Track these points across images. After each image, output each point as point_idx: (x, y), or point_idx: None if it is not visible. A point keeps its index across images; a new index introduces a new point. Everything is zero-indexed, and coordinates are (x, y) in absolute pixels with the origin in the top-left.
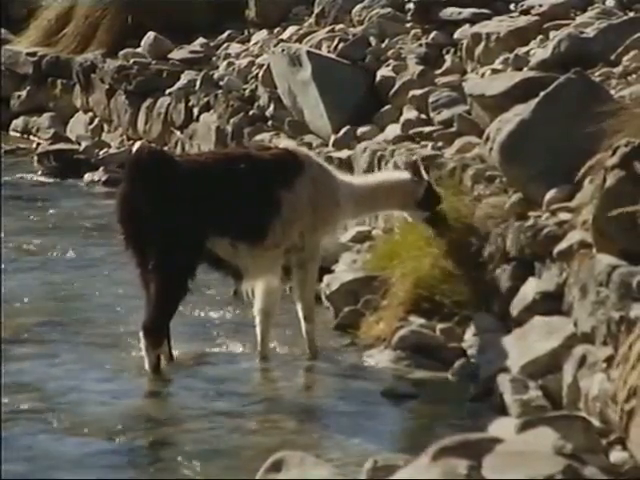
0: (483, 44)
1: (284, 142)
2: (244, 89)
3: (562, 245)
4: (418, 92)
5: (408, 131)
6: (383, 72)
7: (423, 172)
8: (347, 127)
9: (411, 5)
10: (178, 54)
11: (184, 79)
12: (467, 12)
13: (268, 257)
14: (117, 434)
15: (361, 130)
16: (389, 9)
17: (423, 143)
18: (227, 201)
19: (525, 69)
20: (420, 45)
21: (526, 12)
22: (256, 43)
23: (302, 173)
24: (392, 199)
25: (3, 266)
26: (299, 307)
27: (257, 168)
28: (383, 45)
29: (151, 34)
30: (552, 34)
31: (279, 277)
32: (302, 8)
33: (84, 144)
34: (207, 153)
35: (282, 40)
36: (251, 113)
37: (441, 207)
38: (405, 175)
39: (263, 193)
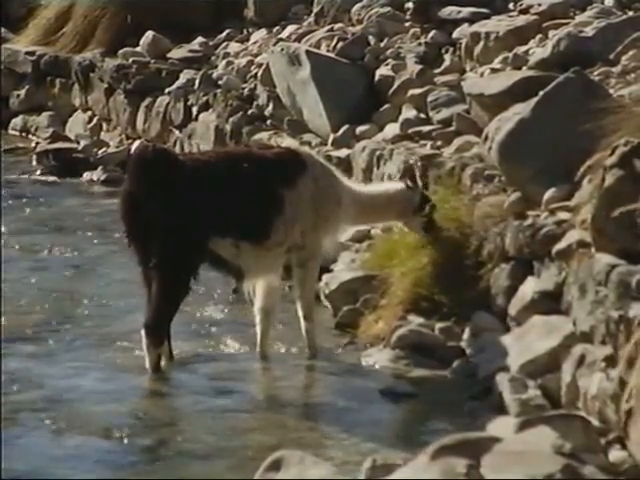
0: (482, 43)
1: (286, 141)
2: (243, 88)
3: (561, 244)
4: (417, 91)
5: (407, 130)
6: (382, 71)
7: (417, 179)
8: (346, 126)
9: (410, 4)
10: (177, 53)
11: (183, 78)
12: (466, 11)
13: (270, 256)
14: (117, 433)
15: (360, 129)
16: (388, 8)
17: (422, 142)
18: (230, 200)
19: (524, 68)
20: (419, 44)
21: (525, 11)
22: (255, 42)
23: (304, 172)
24: (391, 209)
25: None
26: (299, 306)
27: (260, 167)
28: (382, 44)
29: (150, 33)
30: (551, 33)
31: (280, 276)
32: (301, 7)
33: (83, 143)
34: (210, 152)
35: (281, 39)
36: (250, 112)
37: (434, 213)
38: (401, 185)
39: (266, 192)
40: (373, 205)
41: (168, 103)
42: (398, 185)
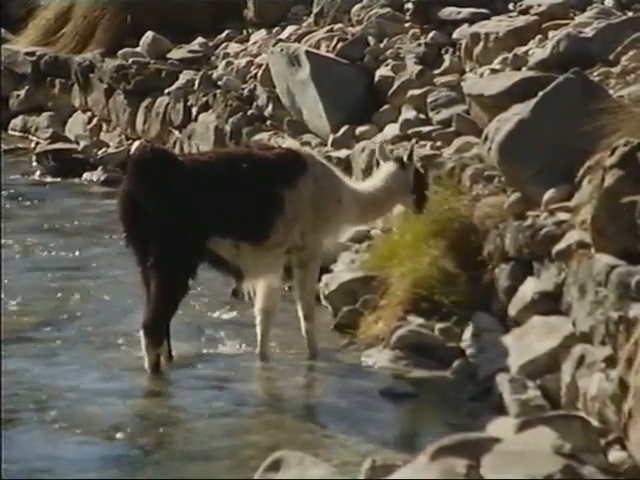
0: (482, 44)
1: (287, 142)
2: (243, 89)
3: (561, 245)
4: (417, 92)
5: (407, 131)
6: (382, 72)
7: (413, 156)
8: (346, 127)
9: (410, 5)
10: (177, 54)
11: (183, 79)
12: (466, 12)
13: (270, 257)
14: (116, 434)
15: (360, 130)
16: (388, 9)
17: (422, 143)
18: (229, 200)
19: (524, 69)
20: (419, 45)
21: (525, 12)
22: (255, 43)
23: (305, 172)
24: (392, 199)
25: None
26: (299, 306)
27: (260, 167)
28: (382, 45)
29: (150, 33)
30: (551, 34)
31: (280, 277)
32: (301, 8)
33: (83, 143)
34: (209, 152)
35: (281, 40)
36: (250, 113)
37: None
38: (394, 167)
39: (266, 192)
40: (374, 202)
41: (168, 104)
42: (391, 169)
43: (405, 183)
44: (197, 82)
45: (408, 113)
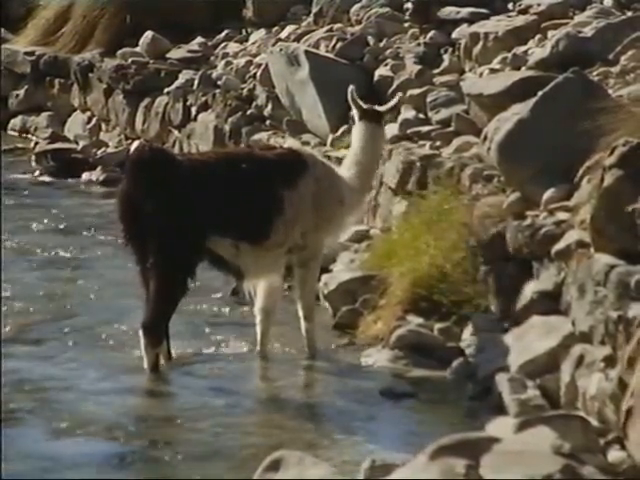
0: (481, 43)
1: (288, 142)
2: (242, 88)
3: (560, 244)
4: (416, 91)
5: (406, 130)
6: (381, 71)
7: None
8: (345, 126)
9: (409, 4)
10: (176, 53)
11: (182, 78)
12: (465, 11)
13: (270, 257)
14: (116, 433)
15: None
16: (387, 8)
17: (421, 142)
18: (229, 201)
19: (523, 68)
20: (418, 44)
21: (524, 11)
22: (254, 42)
23: (306, 172)
24: (377, 157)
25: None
26: (299, 306)
27: (260, 167)
28: (381, 44)
29: (149, 33)
30: (550, 33)
31: (281, 276)
32: (300, 7)
33: (82, 143)
34: (209, 152)
35: (280, 39)
36: (249, 112)
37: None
38: (369, 127)
39: (266, 193)
40: (362, 183)
41: (167, 103)
42: (367, 131)
43: (383, 138)
44: (196, 82)
45: (407, 113)
